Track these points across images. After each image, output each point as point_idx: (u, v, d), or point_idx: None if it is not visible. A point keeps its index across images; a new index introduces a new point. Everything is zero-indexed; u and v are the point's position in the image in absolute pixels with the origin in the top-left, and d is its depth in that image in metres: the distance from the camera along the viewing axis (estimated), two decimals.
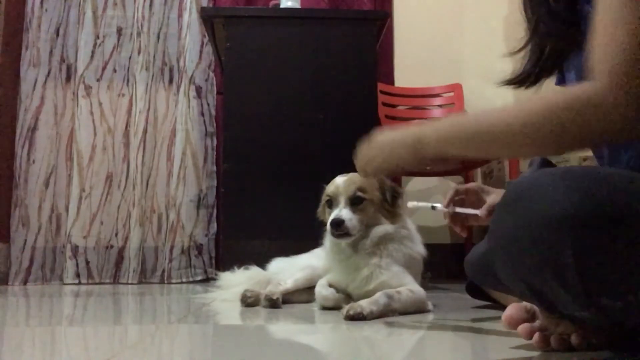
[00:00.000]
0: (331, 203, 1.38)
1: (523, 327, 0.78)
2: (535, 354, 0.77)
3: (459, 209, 1.16)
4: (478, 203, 1.15)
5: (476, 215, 1.12)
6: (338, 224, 1.31)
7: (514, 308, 0.81)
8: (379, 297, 1.23)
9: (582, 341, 0.76)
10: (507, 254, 0.72)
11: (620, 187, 0.66)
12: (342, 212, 1.33)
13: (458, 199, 1.18)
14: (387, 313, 1.22)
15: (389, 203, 1.37)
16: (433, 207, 1.18)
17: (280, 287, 1.46)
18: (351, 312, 1.15)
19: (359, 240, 1.35)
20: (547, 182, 0.67)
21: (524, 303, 0.82)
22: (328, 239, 1.40)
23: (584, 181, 0.66)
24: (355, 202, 1.35)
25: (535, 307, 0.80)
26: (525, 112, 0.74)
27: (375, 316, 1.19)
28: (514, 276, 0.73)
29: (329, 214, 1.36)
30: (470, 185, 1.19)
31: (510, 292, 0.95)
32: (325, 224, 1.37)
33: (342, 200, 1.35)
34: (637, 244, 0.64)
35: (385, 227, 1.36)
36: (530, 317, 0.80)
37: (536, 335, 0.77)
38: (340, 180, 1.39)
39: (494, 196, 1.13)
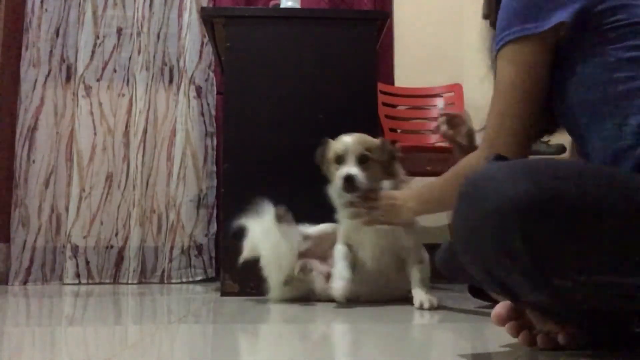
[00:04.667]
0: (340, 160, 1.50)
1: (510, 325, 0.79)
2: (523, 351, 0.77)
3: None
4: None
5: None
6: (350, 179, 1.45)
7: (503, 306, 0.81)
8: (423, 288, 1.43)
9: (568, 340, 0.77)
10: (466, 244, 0.77)
11: (566, 176, 0.73)
12: (352, 169, 1.47)
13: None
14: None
15: (389, 163, 1.53)
16: None
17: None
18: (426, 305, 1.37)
19: None
20: (499, 173, 0.73)
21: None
22: (337, 195, 1.52)
23: (532, 171, 0.73)
24: (362, 160, 1.49)
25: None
26: (445, 185, 1.20)
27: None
28: (476, 265, 0.78)
29: (337, 169, 1.49)
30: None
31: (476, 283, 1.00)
32: (329, 179, 1.53)
33: (351, 158, 1.49)
34: (580, 227, 0.69)
35: (389, 183, 1.51)
36: (519, 315, 0.80)
37: (522, 334, 0.78)
38: (348, 139, 1.52)
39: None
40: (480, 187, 0.74)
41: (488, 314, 0.82)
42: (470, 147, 1.37)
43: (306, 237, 1.60)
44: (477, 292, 1.34)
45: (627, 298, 0.72)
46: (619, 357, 0.77)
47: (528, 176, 0.71)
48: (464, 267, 0.81)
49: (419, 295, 1.43)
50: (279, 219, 1.54)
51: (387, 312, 1.36)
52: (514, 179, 0.71)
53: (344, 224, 1.54)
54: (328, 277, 1.53)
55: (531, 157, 1.01)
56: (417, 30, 2.82)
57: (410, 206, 1.39)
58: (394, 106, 2.72)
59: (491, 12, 1.11)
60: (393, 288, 1.57)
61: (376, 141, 1.54)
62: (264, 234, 1.55)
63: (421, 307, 1.39)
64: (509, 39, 0.95)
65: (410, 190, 1.48)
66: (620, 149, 0.84)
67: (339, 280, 1.45)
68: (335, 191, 1.52)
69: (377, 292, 1.55)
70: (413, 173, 2.51)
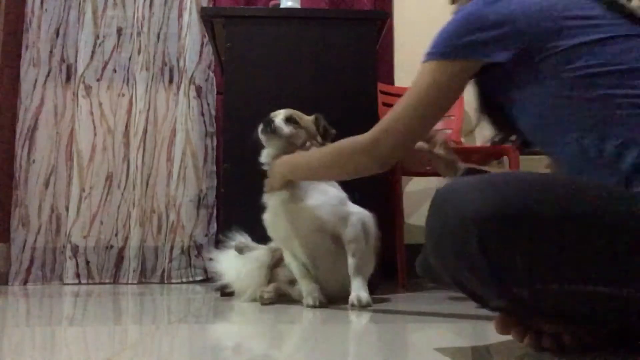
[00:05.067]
0: (268, 125, 1.51)
1: (515, 332, 0.79)
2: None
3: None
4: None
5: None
6: (269, 122, 1.50)
7: (504, 314, 0.81)
8: (359, 281, 1.40)
9: (573, 341, 0.77)
10: (435, 253, 0.81)
11: (527, 189, 0.75)
12: (276, 119, 1.51)
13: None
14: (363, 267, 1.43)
15: (321, 137, 1.55)
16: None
17: None
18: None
19: (292, 189, 1.45)
20: (465, 187, 0.77)
21: None
22: (266, 199, 1.52)
23: (496, 185, 0.75)
24: (288, 120, 1.53)
25: None
26: (323, 154, 1.27)
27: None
28: (444, 273, 0.81)
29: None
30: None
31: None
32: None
33: (279, 116, 1.53)
34: (536, 238, 0.72)
35: None
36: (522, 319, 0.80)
37: (528, 337, 0.78)
38: (281, 110, 1.57)
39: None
40: (446, 198, 0.78)
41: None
42: (449, 156, 1.38)
43: (274, 250, 1.63)
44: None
45: (587, 305, 0.74)
46: (625, 357, 0.77)
47: (490, 188, 0.75)
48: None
49: (354, 289, 1.38)
50: (239, 251, 1.63)
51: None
52: (476, 190, 0.75)
53: (267, 225, 1.54)
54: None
55: (529, 155, 1.03)
56: (417, 30, 2.81)
57: (280, 170, 1.43)
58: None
59: None
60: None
61: (310, 117, 1.59)
62: (228, 267, 1.66)
63: (352, 306, 1.33)
64: (438, 58, 1.00)
65: (290, 156, 1.47)
66: (587, 162, 0.86)
67: (309, 298, 1.45)
68: (266, 199, 1.52)
69: (342, 288, 1.49)
70: (413, 173, 2.52)
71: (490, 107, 1.06)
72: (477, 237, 0.72)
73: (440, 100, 1.03)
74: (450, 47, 0.99)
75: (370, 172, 1.15)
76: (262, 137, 1.52)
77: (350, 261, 1.43)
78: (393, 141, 1.07)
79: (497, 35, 0.94)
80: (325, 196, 1.47)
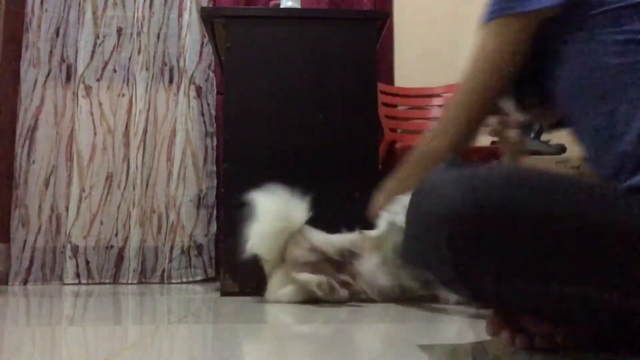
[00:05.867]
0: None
1: (505, 335, 0.79)
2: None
3: None
4: None
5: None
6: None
7: (495, 315, 0.81)
8: None
9: (566, 340, 0.77)
10: (412, 245, 0.82)
11: (507, 186, 0.74)
12: None
13: None
14: None
15: None
16: None
17: None
18: None
19: None
20: (442, 181, 0.77)
21: None
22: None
23: (473, 180, 0.74)
24: None
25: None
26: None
27: None
28: (423, 266, 0.82)
29: None
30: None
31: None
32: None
33: None
34: (506, 239, 0.72)
35: None
36: (513, 320, 0.80)
37: (519, 337, 0.78)
38: None
39: None
40: (426, 193, 0.79)
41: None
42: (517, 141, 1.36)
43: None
44: None
45: (555, 303, 0.74)
46: (618, 356, 0.77)
47: (467, 185, 0.74)
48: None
49: None
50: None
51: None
52: (452, 186, 0.75)
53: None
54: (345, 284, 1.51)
55: (533, 156, 1.02)
56: (417, 30, 2.82)
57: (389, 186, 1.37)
58: (394, 106, 2.72)
59: None
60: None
61: None
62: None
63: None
64: (499, 14, 0.98)
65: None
66: (612, 137, 0.84)
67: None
68: None
69: None
70: None
71: (525, 80, 1.03)
72: (447, 234, 0.72)
73: (504, 64, 1.00)
74: (508, 1, 0.97)
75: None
76: None
77: None
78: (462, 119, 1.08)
79: None
80: None
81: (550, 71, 0.96)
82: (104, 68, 2.65)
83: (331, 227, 1.62)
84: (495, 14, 0.98)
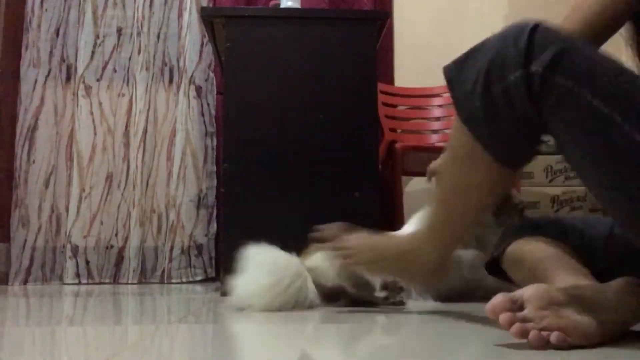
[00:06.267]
0: None
1: (504, 316, 0.76)
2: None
3: None
4: None
5: None
6: None
7: (500, 297, 0.79)
8: None
9: (561, 341, 0.75)
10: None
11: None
12: None
13: None
14: None
15: None
16: None
17: None
18: None
19: None
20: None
21: (513, 293, 0.81)
22: None
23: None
24: None
25: (523, 299, 0.79)
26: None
27: None
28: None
29: None
30: None
31: None
32: None
33: None
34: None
35: None
36: (517, 308, 0.78)
37: (515, 325, 0.76)
38: None
39: None
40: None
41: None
42: None
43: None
44: (494, 270, 1.29)
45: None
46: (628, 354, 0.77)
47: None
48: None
49: None
50: None
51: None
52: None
53: None
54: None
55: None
56: (417, 30, 2.82)
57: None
58: (394, 106, 2.72)
59: None
60: None
61: None
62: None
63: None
64: None
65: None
66: None
67: None
68: None
69: None
70: (413, 173, 2.52)
71: None
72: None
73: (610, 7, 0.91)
74: None
75: None
76: None
77: None
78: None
79: None
80: None
81: None
82: (104, 68, 2.65)
83: None
84: None
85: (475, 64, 0.88)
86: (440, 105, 2.70)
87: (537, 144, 0.90)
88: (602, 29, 0.93)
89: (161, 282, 2.52)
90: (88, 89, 2.62)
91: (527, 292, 0.79)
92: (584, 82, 0.77)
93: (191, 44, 2.64)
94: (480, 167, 0.91)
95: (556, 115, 0.81)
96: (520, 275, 1.10)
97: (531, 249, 1.08)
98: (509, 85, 0.82)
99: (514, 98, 0.82)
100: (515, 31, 0.83)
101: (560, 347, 0.75)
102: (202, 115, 2.64)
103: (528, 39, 0.80)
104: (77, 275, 2.49)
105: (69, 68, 2.65)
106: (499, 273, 1.20)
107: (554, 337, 0.75)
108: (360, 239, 1.21)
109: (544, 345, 0.75)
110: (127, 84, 2.66)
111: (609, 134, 0.77)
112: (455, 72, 0.96)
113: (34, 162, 2.55)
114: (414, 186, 2.70)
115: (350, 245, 1.21)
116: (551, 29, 0.81)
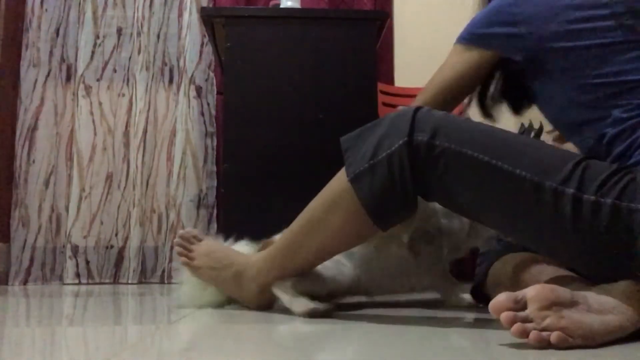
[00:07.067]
0: None
1: (506, 315, 0.77)
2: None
3: None
4: None
5: None
6: None
7: (503, 296, 0.79)
8: None
9: (562, 341, 0.75)
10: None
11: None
12: None
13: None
14: None
15: None
16: None
17: None
18: None
19: None
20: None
21: (516, 292, 0.81)
22: None
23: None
24: None
25: (526, 298, 0.79)
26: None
27: None
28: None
29: None
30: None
31: None
32: None
33: None
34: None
35: None
36: (520, 307, 0.78)
37: (516, 325, 0.76)
38: None
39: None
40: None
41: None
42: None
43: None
44: (480, 297, 1.31)
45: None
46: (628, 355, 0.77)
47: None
48: None
49: None
50: None
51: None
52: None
53: None
54: None
55: None
56: (417, 30, 2.82)
57: None
58: (394, 106, 2.71)
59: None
60: None
61: None
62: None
63: None
64: (461, 42, 1.15)
65: None
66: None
67: None
68: None
69: None
70: None
71: (514, 91, 1.15)
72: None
73: (459, 81, 1.16)
74: (472, 35, 1.12)
75: None
76: None
77: None
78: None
79: (510, 32, 1.02)
80: None
81: (534, 99, 1.11)
82: (104, 68, 2.65)
83: None
84: (459, 40, 1.15)
85: (368, 137, 1.04)
86: None
87: (408, 211, 1.03)
88: (454, 95, 1.22)
89: (161, 282, 2.52)
90: (88, 89, 2.62)
91: (530, 291, 0.79)
92: (463, 142, 0.93)
93: (191, 44, 2.64)
94: (350, 215, 1.06)
95: (448, 175, 0.95)
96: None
97: (517, 263, 1.13)
98: (393, 152, 0.97)
99: (394, 165, 0.97)
100: (401, 113, 1.00)
101: (560, 347, 0.74)
102: (202, 115, 2.64)
103: (412, 117, 0.97)
104: (77, 275, 2.49)
105: (69, 68, 2.65)
106: (484, 299, 1.25)
107: (554, 337, 0.75)
108: (204, 246, 1.34)
109: (545, 345, 0.75)
110: (127, 84, 2.66)
111: (494, 177, 0.91)
112: (350, 143, 1.12)
113: (34, 162, 2.55)
114: None
115: (191, 248, 1.37)
116: (430, 110, 0.99)
